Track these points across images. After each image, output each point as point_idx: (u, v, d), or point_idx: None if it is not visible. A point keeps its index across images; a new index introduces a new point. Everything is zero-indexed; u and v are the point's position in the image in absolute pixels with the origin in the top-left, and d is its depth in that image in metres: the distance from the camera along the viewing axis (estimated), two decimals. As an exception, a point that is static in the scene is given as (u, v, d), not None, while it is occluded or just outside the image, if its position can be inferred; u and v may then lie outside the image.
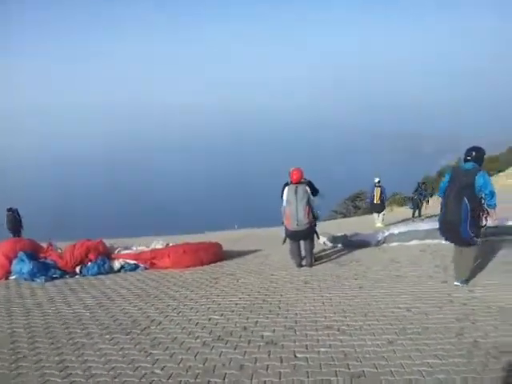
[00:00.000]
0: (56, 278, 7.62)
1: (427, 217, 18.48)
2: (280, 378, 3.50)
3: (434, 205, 19.42)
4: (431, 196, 20.09)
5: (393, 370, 3.56)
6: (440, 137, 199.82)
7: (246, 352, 4.04)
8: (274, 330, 4.54)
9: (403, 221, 18.46)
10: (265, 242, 13.21)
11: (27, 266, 7.45)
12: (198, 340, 4.39)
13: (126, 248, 8.69)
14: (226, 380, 3.52)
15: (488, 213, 5.88)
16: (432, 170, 64.87)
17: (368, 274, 7.06)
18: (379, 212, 16.71)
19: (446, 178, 6.18)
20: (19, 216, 16.98)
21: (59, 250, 8.53)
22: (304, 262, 7.97)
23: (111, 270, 7.99)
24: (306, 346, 4.13)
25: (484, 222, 5.91)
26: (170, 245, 9.07)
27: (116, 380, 3.57)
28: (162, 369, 3.75)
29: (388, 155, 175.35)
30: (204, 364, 3.82)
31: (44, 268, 7.59)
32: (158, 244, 9.25)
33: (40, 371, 3.78)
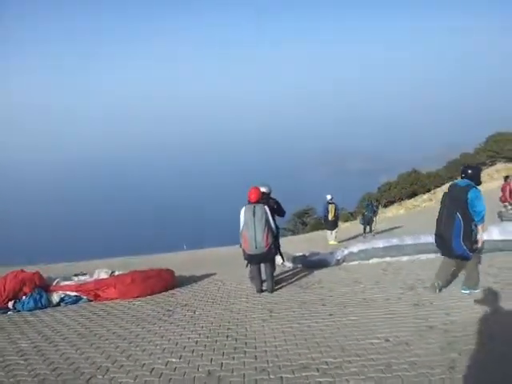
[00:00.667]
0: (-17, 315, 6.61)
1: (377, 232, 18.58)
2: None
3: (381, 221, 19.75)
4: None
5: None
6: (364, 154, 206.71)
7: (213, 406, 3.41)
8: (243, 375, 3.91)
9: (355, 237, 18.43)
10: (217, 263, 12.58)
11: None
12: (155, 392, 3.71)
13: (66, 279, 7.75)
14: None
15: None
16: (371, 187, 66.64)
17: (334, 298, 6.62)
18: (332, 229, 16.53)
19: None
20: None
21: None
22: (264, 287, 7.43)
23: (50, 304, 7.05)
24: (284, 393, 3.56)
25: (478, 237, 6.00)
26: (116, 273, 8.24)
27: None
28: None
29: (313, 172, 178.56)
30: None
31: (-32, 305, 6.57)
32: (101, 272, 8.38)
33: None
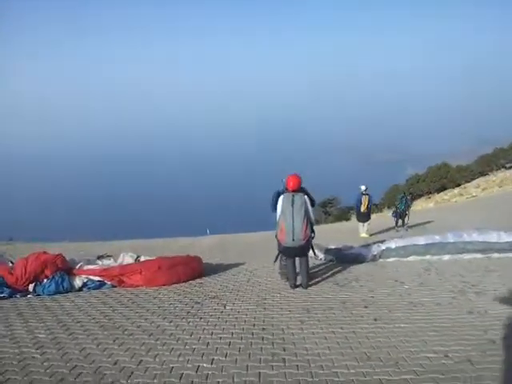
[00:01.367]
0: (3, 297, 6.29)
1: (409, 226, 17.86)
2: None
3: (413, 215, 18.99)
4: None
5: None
6: (388, 146, 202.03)
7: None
8: (286, 390, 3.43)
9: (386, 230, 17.72)
10: (245, 251, 12.14)
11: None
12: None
13: (90, 262, 7.37)
14: None
15: None
16: (396, 178, 65.13)
17: (377, 299, 6.04)
18: (365, 221, 15.85)
19: None
20: None
21: (9, 263, 7.19)
22: (298, 281, 6.90)
23: (72, 289, 6.70)
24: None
25: None
26: (142, 259, 7.84)
27: None
28: None
29: (340, 163, 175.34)
30: None
31: (-13, 285, 6.26)
32: (126, 256, 8.01)
33: None
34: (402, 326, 4.89)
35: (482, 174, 53.14)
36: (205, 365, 3.89)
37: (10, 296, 6.36)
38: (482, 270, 7.74)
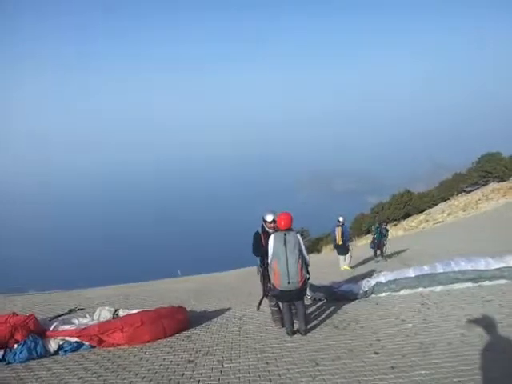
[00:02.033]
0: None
1: (388, 256, 17.72)
2: None
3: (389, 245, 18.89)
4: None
5: None
6: (349, 175, 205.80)
7: None
8: None
9: (365, 262, 17.50)
10: (226, 294, 11.49)
11: None
12: None
13: (65, 322, 6.62)
14: None
15: None
16: (358, 208, 65.75)
17: (384, 342, 5.62)
18: (344, 254, 15.49)
19: None
20: None
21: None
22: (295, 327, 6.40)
23: (46, 353, 5.92)
24: None
25: None
26: (121, 312, 7.16)
27: None
28: None
29: (300, 194, 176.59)
30: None
31: None
32: (103, 310, 7.31)
33: None
34: (423, 372, 4.47)
35: (444, 199, 54.47)
36: None
37: (-26, 367, 5.55)
38: (479, 301, 7.48)
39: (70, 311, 9.40)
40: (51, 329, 6.20)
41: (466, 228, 26.78)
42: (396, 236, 35.26)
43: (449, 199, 52.99)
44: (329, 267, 16.06)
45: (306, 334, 6.26)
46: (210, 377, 4.81)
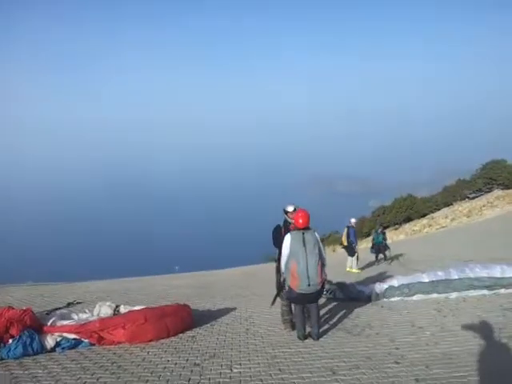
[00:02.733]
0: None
1: (388, 259, 17.53)
2: None
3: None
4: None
5: None
6: (348, 175, 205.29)
7: None
8: None
9: (369, 264, 17.18)
10: (229, 292, 11.11)
11: None
12: None
13: (64, 317, 6.25)
14: None
15: None
16: (360, 210, 65.48)
17: (403, 351, 5.27)
18: (350, 256, 15.22)
19: None
20: None
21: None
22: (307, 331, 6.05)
23: (42, 349, 5.56)
24: None
25: None
26: (122, 309, 6.80)
27: None
28: None
29: (302, 194, 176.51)
30: None
31: None
32: (103, 306, 6.95)
33: None
34: (450, 386, 4.12)
35: (446, 204, 54.18)
36: None
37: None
38: (497, 309, 7.14)
39: (68, 305, 9.05)
40: (49, 324, 5.83)
41: (472, 234, 26.43)
42: (397, 240, 34.93)
43: (452, 205, 52.72)
44: (336, 267, 15.68)
45: (318, 338, 5.91)
46: (219, 383, 4.45)
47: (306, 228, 5.74)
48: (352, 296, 8.51)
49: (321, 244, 5.79)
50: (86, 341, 5.84)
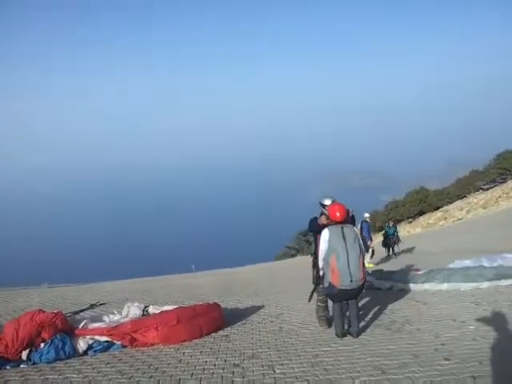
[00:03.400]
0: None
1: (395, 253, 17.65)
2: None
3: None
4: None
5: None
6: (364, 172, 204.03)
7: None
8: None
9: (381, 259, 17.07)
10: (251, 289, 10.95)
11: None
12: None
13: (95, 320, 6.09)
14: None
15: None
16: (372, 204, 64.95)
17: (451, 347, 5.04)
18: (365, 251, 15.12)
19: None
20: None
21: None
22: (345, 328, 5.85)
23: (74, 353, 5.40)
24: None
25: None
26: (151, 309, 6.65)
27: None
28: None
29: (317, 189, 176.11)
30: None
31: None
32: (132, 307, 6.80)
33: None
34: (512, 385, 3.89)
35: (460, 196, 53.50)
36: None
37: (-1, 368, 5.04)
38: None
39: (92, 306, 8.93)
40: (80, 327, 5.69)
41: (490, 225, 26.04)
42: (414, 233, 34.57)
43: (465, 197, 52.06)
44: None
45: (357, 336, 5.70)
46: (265, 386, 4.26)
47: (344, 221, 5.53)
48: (389, 283, 8.47)
49: (360, 239, 5.59)
50: (118, 343, 5.68)
